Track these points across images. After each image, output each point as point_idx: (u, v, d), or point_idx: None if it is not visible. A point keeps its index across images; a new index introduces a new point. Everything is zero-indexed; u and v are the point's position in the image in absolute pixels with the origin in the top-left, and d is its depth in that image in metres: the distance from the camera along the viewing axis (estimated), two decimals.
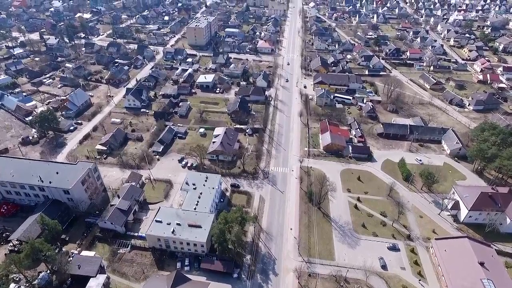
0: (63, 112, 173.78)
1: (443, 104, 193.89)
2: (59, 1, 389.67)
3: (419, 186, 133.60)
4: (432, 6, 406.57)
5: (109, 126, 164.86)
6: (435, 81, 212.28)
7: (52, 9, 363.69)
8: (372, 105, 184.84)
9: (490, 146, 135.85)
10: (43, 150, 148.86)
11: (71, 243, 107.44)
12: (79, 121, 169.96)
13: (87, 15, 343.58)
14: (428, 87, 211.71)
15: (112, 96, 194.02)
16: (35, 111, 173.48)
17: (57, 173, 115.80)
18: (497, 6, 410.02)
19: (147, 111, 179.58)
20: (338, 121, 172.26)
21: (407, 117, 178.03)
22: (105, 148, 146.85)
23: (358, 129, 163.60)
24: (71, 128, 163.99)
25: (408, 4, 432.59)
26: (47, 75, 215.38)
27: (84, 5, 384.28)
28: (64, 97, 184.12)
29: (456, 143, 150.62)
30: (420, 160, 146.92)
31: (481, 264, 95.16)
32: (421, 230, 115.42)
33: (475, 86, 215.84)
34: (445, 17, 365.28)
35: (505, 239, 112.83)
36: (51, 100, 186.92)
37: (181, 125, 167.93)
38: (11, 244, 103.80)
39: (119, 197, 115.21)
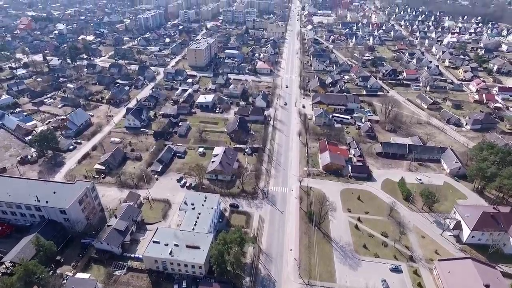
0: (63, 132, 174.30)
1: (440, 124, 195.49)
2: (63, 24, 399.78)
3: (419, 206, 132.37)
4: (426, 29, 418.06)
5: (108, 146, 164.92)
6: (432, 101, 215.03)
7: (56, 31, 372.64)
8: (370, 125, 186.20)
9: (489, 165, 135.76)
10: (41, 169, 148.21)
11: (65, 264, 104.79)
12: (79, 141, 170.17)
13: (90, 37, 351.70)
14: (425, 106, 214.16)
15: (112, 116, 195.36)
16: (35, 130, 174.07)
17: (54, 192, 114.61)
18: (489, 29, 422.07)
19: (147, 130, 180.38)
20: (337, 141, 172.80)
21: (405, 137, 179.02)
22: (104, 168, 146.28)
23: (357, 149, 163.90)
24: (71, 147, 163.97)
25: (403, 27, 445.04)
26: (48, 95, 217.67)
27: (87, 28, 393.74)
28: (64, 117, 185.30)
29: (455, 162, 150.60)
30: (420, 180, 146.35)
31: (487, 286, 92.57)
32: (424, 251, 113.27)
33: (472, 106, 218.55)
34: (439, 39, 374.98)
35: (510, 260, 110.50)
36: (51, 120, 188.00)
37: (180, 144, 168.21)
38: (4, 266, 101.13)
39: (116, 217, 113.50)
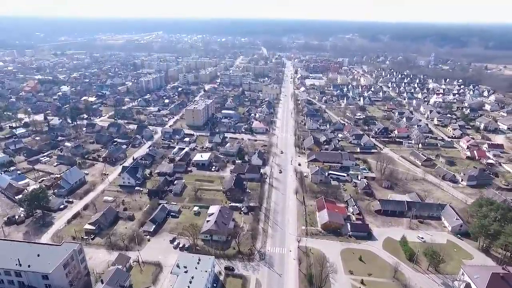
0: (55, 190, 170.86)
1: (436, 180, 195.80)
2: (67, 86, 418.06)
3: (424, 266, 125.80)
4: (412, 90, 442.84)
5: (100, 205, 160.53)
6: (425, 158, 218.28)
7: (60, 93, 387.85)
8: (367, 182, 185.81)
9: (491, 222, 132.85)
10: (28, 230, 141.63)
11: None
12: (70, 200, 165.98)
13: (92, 98, 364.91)
14: (420, 163, 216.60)
15: (107, 174, 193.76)
16: (26, 189, 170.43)
17: (38, 255, 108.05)
18: (471, 91, 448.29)
19: (141, 189, 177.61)
20: (334, 198, 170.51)
21: (403, 193, 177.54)
22: (94, 228, 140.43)
23: (355, 206, 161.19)
24: (61, 206, 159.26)
25: (390, 89, 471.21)
26: (45, 154, 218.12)
27: (90, 89, 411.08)
28: (58, 175, 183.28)
29: (456, 219, 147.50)
30: (422, 238, 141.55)
31: None
32: None
33: (465, 162, 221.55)
34: (425, 99, 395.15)
35: None
36: (44, 178, 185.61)
37: (175, 203, 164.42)
38: None
39: (102, 282, 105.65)
